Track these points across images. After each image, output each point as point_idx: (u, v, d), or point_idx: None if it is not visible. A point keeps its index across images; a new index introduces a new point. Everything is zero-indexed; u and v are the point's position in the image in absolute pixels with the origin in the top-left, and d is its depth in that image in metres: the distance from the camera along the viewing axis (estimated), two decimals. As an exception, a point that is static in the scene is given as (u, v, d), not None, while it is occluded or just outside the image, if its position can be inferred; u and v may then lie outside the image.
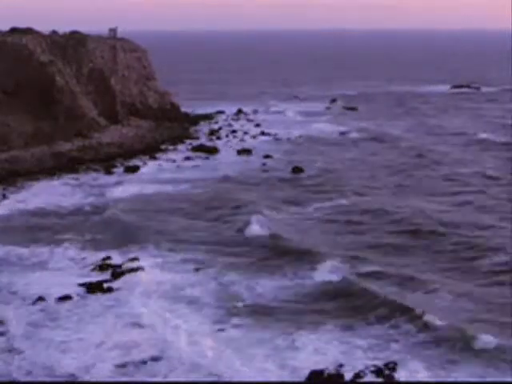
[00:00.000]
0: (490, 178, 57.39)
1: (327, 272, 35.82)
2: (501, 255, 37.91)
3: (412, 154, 68.52)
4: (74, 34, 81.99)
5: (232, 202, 50.55)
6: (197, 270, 37.03)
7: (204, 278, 35.87)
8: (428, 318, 29.67)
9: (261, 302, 32.83)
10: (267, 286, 34.55)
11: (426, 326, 29.28)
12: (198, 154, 70.28)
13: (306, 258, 37.94)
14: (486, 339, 27.63)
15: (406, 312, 30.52)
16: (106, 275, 36.44)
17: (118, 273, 36.46)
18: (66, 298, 33.31)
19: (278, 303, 32.61)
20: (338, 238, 42.45)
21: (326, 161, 65.96)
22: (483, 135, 77.88)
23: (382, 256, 38.83)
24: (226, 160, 67.50)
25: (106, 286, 34.78)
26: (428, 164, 63.82)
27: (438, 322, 29.34)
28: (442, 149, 70.90)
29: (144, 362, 27.23)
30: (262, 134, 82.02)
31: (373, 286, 33.78)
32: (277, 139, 78.89)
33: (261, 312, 31.70)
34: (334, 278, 35.10)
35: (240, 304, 32.53)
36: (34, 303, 32.83)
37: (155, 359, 27.40)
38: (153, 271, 36.96)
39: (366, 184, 56.44)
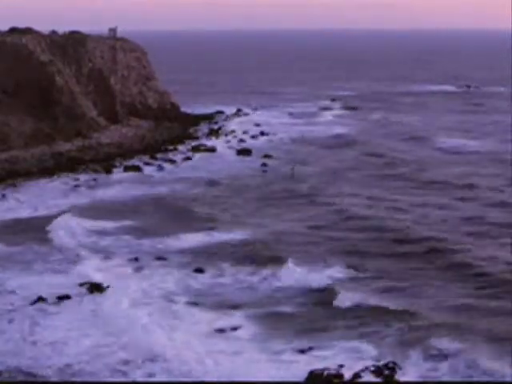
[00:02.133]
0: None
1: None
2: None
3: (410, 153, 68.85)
4: (73, 33, 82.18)
5: (229, 202, 50.81)
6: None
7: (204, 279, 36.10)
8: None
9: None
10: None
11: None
12: (198, 154, 70.29)
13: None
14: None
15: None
16: (106, 275, 36.49)
17: (116, 273, 36.62)
18: (65, 297, 33.34)
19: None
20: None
21: (325, 160, 66.17)
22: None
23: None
24: (226, 160, 67.57)
25: (105, 286, 34.83)
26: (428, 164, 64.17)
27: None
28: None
29: (142, 362, 27.34)
30: (262, 134, 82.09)
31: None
32: (277, 139, 78.94)
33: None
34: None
35: None
36: (33, 303, 32.87)
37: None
38: (151, 272, 37.21)
39: (365, 184, 56.68)
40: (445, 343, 27.57)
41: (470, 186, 53.98)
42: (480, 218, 45.88)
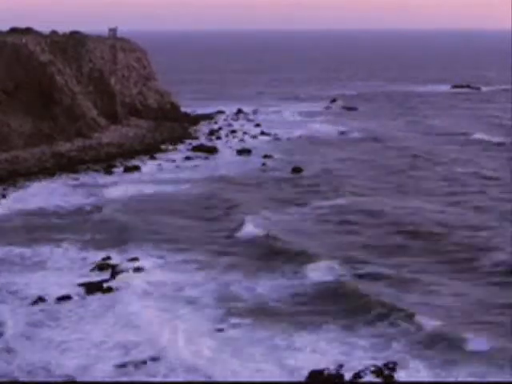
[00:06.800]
0: (488, 178, 57.53)
1: (323, 272, 36.00)
2: (499, 255, 37.91)
3: (409, 154, 68.56)
4: (73, 34, 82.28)
5: (229, 202, 50.84)
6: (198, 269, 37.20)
7: (204, 279, 35.99)
8: (421, 319, 29.64)
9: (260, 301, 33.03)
10: (266, 286, 34.69)
11: (420, 328, 29.27)
12: (198, 153, 70.34)
13: (300, 258, 38.00)
14: (479, 342, 27.61)
15: (400, 312, 30.54)
16: (106, 275, 36.56)
17: (117, 272, 36.62)
18: (65, 298, 33.41)
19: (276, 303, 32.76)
20: (335, 238, 42.54)
21: (325, 160, 66.15)
22: (479, 135, 77.94)
23: (378, 257, 38.87)
24: (226, 160, 67.62)
25: (105, 286, 34.87)
26: (425, 164, 63.93)
27: (432, 323, 29.35)
28: (438, 149, 71.16)
29: (143, 363, 27.33)
30: (262, 133, 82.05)
31: (369, 287, 33.85)
32: (277, 139, 78.92)
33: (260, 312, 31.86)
34: (330, 278, 35.23)
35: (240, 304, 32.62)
36: (33, 303, 32.90)
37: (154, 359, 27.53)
38: (153, 271, 37.20)
39: (364, 184, 56.63)
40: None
41: None
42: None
